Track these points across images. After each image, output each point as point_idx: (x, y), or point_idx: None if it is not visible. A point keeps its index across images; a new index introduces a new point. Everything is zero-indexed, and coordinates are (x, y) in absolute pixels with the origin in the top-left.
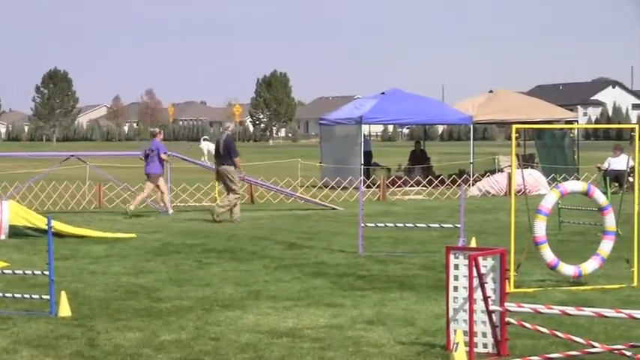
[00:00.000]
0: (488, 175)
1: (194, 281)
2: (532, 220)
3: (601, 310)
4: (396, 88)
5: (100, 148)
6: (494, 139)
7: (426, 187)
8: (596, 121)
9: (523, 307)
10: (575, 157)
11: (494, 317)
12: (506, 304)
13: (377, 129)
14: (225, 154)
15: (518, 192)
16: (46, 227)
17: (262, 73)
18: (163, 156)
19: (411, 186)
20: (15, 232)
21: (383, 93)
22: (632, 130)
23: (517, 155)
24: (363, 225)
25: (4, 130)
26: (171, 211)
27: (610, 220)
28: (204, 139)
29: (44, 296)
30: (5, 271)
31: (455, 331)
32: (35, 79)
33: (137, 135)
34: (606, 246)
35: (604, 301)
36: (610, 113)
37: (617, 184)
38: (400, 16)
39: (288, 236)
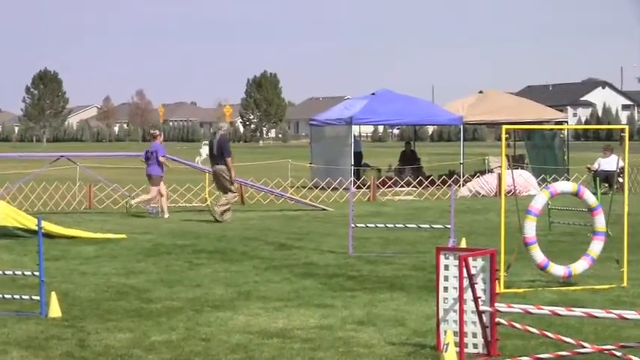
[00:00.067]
0: (479, 176)
1: (185, 282)
2: (522, 220)
3: (591, 310)
4: (386, 88)
5: (90, 148)
6: (485, 139)
7: (416, 187)
8: (586, 122)
9: (513, 307)
10: (565, 157)
11: (485, 318)
12: (496, 304)
13: (367, 129)
14: (219, 154)
15: (509, 192)
16: (36, 228)
17: (252, 73)
18: (161, 159)
19: (402, 187)
20: (5, 232)
21: (373, 94)
22: (622, 130)
23: (507, 156)
24: (353, 225)
25: None
26: (167, 215)
27: (600, 221)
28: (205, 144)
29: (34, 297)
30: None
31: (445, 331)
32: (25, 79)
33: (127, 135)
34: (596, 246)
35: (594, 301)
36: (600, 114)
37: (607, 185)
38: (390, 16)
39: (278, 237)
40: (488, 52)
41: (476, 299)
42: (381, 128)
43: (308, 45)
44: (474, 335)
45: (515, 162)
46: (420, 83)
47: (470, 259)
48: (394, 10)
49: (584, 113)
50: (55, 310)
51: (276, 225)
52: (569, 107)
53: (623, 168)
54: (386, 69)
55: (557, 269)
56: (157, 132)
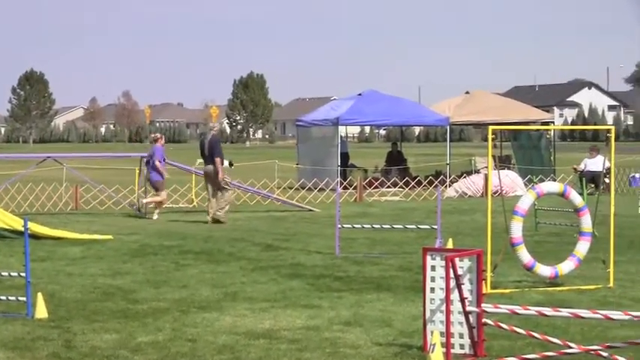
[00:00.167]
0: (465, 177)
1: (171, 283)
2: (508, 221)
3: (577, 310)
4: (373, 89)
5: (76, 149)
6: (471, 140)
7: (402, 188)
8: (573, 123)
9: (500, 308)
10: (552, 158)
11: (471, 318)
12: (482, 305)
13: (354, 130)
14: (210, 154)
15: (495, 193)
16: (22, 229)
17: (239, 74)
18: (157, 164)
19: (388, 187)
20: None
21: (360, 94)
22: (608, 131)
23: (493, 156)
24: (339, 226)
25: None
26: (156, 216)
27: (586, 221)
28: None
29: (20, 298)
30: None
31: (432, 332)
32: (11, 80)
33: (114, 136)
34: (582, 247)
35: (580, 301)
36: (586, 114)
37: (593, 185)
38: (376, 17)
39: (265, 238)
40: (475, 53)
41: (462, 300)
42: (367, 129)
43: (294, 46)
44: (461, 336)
45: (502, 162)
46: (406, 83)
47: (456, 259)
48: (381, 10)
49: (570, 114)
50: (41, 311)
51: (262, 226)
52: (555, 108)
53: (609, 168)
54: (372, 69)
55: (544, 270)
56: (158, 135)
